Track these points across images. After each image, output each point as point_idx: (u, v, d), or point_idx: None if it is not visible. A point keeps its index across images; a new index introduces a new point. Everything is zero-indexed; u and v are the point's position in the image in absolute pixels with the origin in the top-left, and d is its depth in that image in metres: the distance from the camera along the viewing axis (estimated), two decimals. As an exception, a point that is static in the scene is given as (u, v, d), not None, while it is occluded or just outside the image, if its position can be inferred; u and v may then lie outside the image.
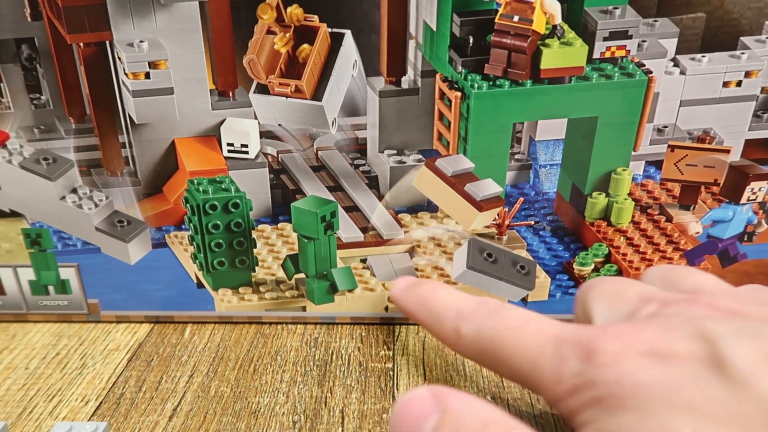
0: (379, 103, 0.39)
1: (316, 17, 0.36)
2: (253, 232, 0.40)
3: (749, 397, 0.18)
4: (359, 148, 0.40)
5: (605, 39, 0.36)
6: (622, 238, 0.40)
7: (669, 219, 0.41)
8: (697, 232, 0.40)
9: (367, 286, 0.42)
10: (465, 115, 0.37)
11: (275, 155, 0.40)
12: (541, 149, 0.41)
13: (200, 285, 0.42)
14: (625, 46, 0.36)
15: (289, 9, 0.36)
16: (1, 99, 0.39)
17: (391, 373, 0.38)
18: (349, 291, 0.41)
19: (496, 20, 0.35)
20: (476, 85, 0.36)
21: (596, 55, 0.36)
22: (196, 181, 0.38)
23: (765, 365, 0.19)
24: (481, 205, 0.38)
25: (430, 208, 0.41)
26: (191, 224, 0.39)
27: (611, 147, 0.38)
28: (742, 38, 0.37)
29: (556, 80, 0.36)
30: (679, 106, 0.39)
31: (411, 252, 0.42)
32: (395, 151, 0.40)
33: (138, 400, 0.36)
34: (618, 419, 0.19)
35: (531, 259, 0.40)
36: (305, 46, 0.37)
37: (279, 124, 0.39)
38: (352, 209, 0.41)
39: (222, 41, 0.37)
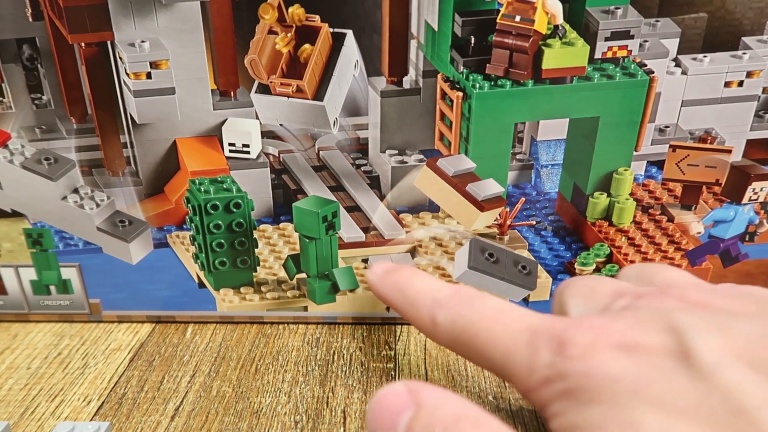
0: (381, 103, 0.39)
1: (317, 17, 0.36)
2: (254, 232, 0.40)
3: (714, 390, 0.18)
4: (361, 148, 0.40)
5: (607, 39, 0.36)
6: (623, 238, 0.40)
7: (670, 219, 0.41)
8: (699, 232, 0.40)
9: (369, 287, 0.42)
10: (466, 115, 0.37)
11: (277, 155, 0.40)
12: (543, 149, 0.41)
13: (202, 285, 0.42)
14: (627, 46, 0.36)
15: (290, 9, 0.36)
16: (3, 99, 0.39)
17: (392, 373, 0.38)
18: (351, 291, 0.41)
19: (497, 20, 0.35)
20: (478, 85, 0.36)
21: (598, 55, 0.36)
22: (197, 181, 0.38)
23: (730, 358, 0.19)
24: (482, 205, 0.38)
25: (432, 208, 0.41)
26: (193, 224, 0.39)
27: (613, 147, 0.38)
28: (743, 38, 0.37)
29: (557, 80, 0.36)
30: (681, 106, 0.39)
31: (412, 252, 0.42)
32: (397, 151, 0.40)
33: (140, 400, 0.36)
34: (587, 412, 0.20)
35: (532, 259, 0.40)
36: (307, 46, 0.37)
37: (280, 124, 0.39)
38: (354, 209, 0.41)
39: (223, 41, 0.37)
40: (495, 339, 0.23)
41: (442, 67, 0.38)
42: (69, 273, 0.42)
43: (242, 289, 0.41)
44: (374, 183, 0.41)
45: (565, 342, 0.21)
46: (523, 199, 0.40)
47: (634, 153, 0.39)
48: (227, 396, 0.37)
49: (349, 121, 0.39)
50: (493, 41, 0.35)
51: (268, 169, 0.40)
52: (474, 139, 0.37)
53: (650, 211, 0.41)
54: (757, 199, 0.39)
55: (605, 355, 0.20)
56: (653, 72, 0.37)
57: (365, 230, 0.41)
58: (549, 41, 0.35)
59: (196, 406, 0.36)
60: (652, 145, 0.39)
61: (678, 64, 0.38)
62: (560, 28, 0.35)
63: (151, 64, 0.37)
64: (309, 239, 0.39)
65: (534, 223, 0.41)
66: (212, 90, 0.38)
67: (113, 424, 0.35)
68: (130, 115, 0.38)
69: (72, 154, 0.40)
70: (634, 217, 0.40)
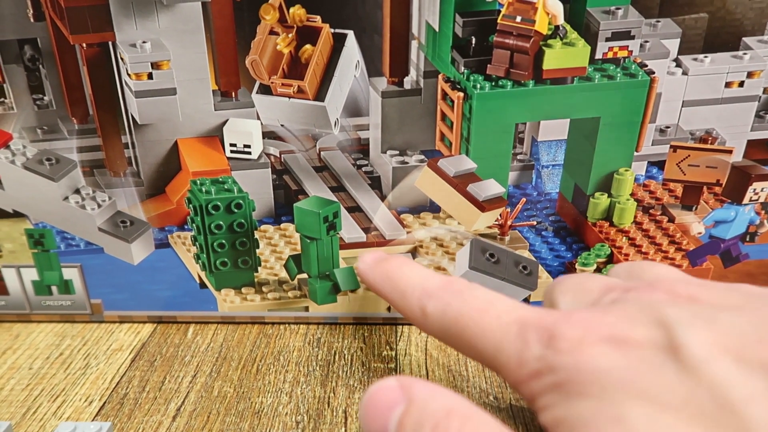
0: (382, 104, 0.39)
1: (318, 18, 0.36)
2: (255, 232, 0.40)
3: (701, 384, 0.18)
4: (362, 148, 0.40)
5: (608, 39, 0.36)
6: (624, 238, 0.40)
7: (671, 219, 0.41)
8: (700, 233, 0.40)
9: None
10: (467, 116, 0.37)
11: (278, 156, 0.40)
12: (544, 150, 0.41)
13: (203, 285, 0.42)
14: (628, 46, 0.36)
15: (291, 9, 0.36)
16: (4, 100, 0.39)
17: (393, 373, 0.38)
18: (352, 291, 0.41)
19: (498, 21, 0.35)
20: (479, 86, 0.36)
21: (599, 55, 0.36)
22: (198, 182, 0.38)
23: (718, 352, 0.19)
24: (483, 206, 0.38)
25: (433, 208, 0.41)
26: (194, 225, 0.39)
27: (613, 147, 0.38)
28: (744, 39, 0.37)
29: (558, 81, 0.36)
30: (682, 107, 0.39)
31: (413, 252, 0.42)
32: (398, 152, 0.40)
33: (141, 400, 0.37)
34: (576, 405, 0.20)
35: (533, 259, 0.40)
36: (308, 46, 0.37)
37: (281, 125, 0.39)
38: (355, 210, 0.41)
39: (225, 42, 0.37)
40: (485, 330, 0.23)
41: (443, 68, 0.38)
42: (70, 273, 0.42)
43: (243, 290, 0.41)
44: (375, 183, 0.41)
45: (555, 335, 0.21)
46: (524, 199, 0.40)
47: (635, 153, 0.39)
48: (229, 396, 0.37)
49: (350, 122, 0.39)
50: (494, 42, 0.35)
51: (270, 169, 0.40)
52: (475, 139, 0.37)
53: (651, 211, 0.41)
54: (757, 200, 0.39)
55: (594, 349, 0.20)
56: (654, 72, 0.37)
57: (366, 231, 0.41)
58: (550, 42, 0.35)
59: (198, 406, 0.36)
60: (652, 145, 0.39)
61: (679, 65, 0.38)
62: (561, 28, 0.35)
63: (152, 64, 0.37)
64: (310, 239, 0.39)
65: (535, 223, 0.41)
66: (213, 90, 0.38)
67: (115, 425, 0.35)
68: (132, 116, 0.38)
69: (73, 155, 0.40)
70: (635, 217, 0.40)
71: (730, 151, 0.38)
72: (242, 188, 0.38)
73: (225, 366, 0.39)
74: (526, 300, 0.40)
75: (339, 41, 0.37)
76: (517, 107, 0.37)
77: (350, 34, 0.37)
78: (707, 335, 0.19)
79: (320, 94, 0.38)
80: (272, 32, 0.36)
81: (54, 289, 0.43)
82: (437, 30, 0.37)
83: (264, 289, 0.42)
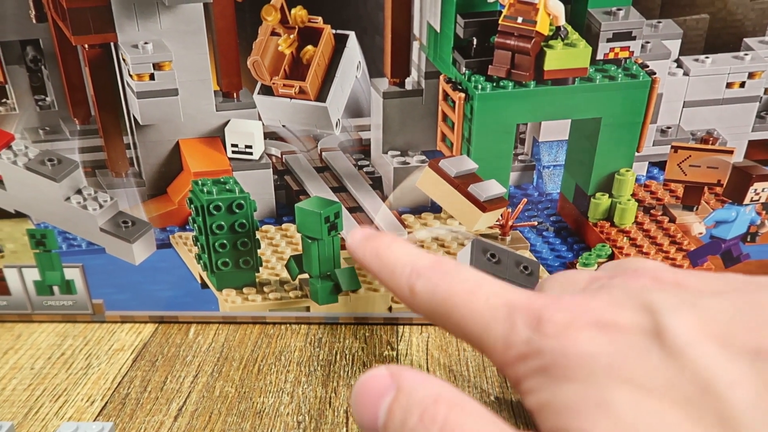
0: (383, 105, 0.39)
1: (320, 19, 0.37)
2: (257, 232, 0.40)
3: (685, 368, 0.18)
4: (363, 149, 0.40)
5: (609, 40, 0.36)
6: (625, 238, 0.40)
7: (672, 220, 0.41)
8: (701, 233, 0.40)
9: (371, 287, 0.42)
10: (468, 116, 0.37)
11: (279, 156, 0.41)
12: (545, 150, 0.41)
13: (204, 285, 0.42)
14: (629, 47, 0.36)
15: (293, 10, 0.36)
16: (6, 100, 0.39)
17: (394, 373, 0.38)
18: (353, 291, 0.41)
19: (499, 21, 0.35)
20: (480, 87, 0.36)
21: (600, 56, 0.36)
22: (200, 182, 0.38)
23: (702, 337, 0.19)
24: (484, 206, 0.38)
25: (434, 208, 0.42)
26: (195, 225, 0.39)
27: (614, 148, 0.38)
28: (745, 39, 0.37)
29: (559, 81, 0.36)
30: (683, 107, 0.39)
31: (414, 252, 0.42)
32: (399, 152, 0.40)
33: (143, 400, 0.37)
34: (561, 389, 0.20)
35: (534, 259, 0.40)
36: (309, 47, 0.37)
37: (283, 125, 0.39)
38: (356, 210, 0.41)
39: (226, 43, 0.37)
40: (473, 311, 0.23)
41: (445, 69, 0.38)
42: (72, 273, 0.42)
43: (245, 290, 0.42)
44: (376, 184, 0.41)
45: (543, 319, 0.21)
46: (525, 199, 0.41)
47: (636, 154, 0.39)
48: (230, 396, 0.37)
49: (352, 122, 0.39)
50: (495, 42, 0.35)
51: (271, 170, 0.40)
52: (476, 140, 0.37)
53: (652, 211, 0.41)
54: (758, 200, 0.39)
55: (581, 333, 0.20)
56: (655, 73, 0.37)
57: (367, 231, 0.41)
58: (551, 42, 0.35)
59: (199, 406, 0.36)
60: (653, 145, 0.39)
61: (680, 65, 0.38)
62: (562, 29, 0.35)
63: (154, 65, 0.37)
64: (311, 240, 0.39)
65: (536, 223, 0.41)
66: (215, 91, 0.38)
67: (117, 425, 0.35)
68: (134, 117, 0.39)
69: (75, 155, 0.40)
70: (636, 217, 0.40)
71: (731, 152, 0.38)
72: (244, 188, 0.38)
73: (226, 366, 0.39)
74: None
75: (340, 42, 0.37)
76: (518, 108, 0.37)
77: (352, 34, 0.37)
78: (692, 320, 0.19)
79: (322, 95, 0.38)
80: (274, 33, 0.37)
81: (56, 289, 0.43)
82: (438, 31, 0.37)
83: (265, 289, 0.42)
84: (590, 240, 0.41)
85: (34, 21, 0.37)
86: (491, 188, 0.38)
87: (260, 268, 0.41)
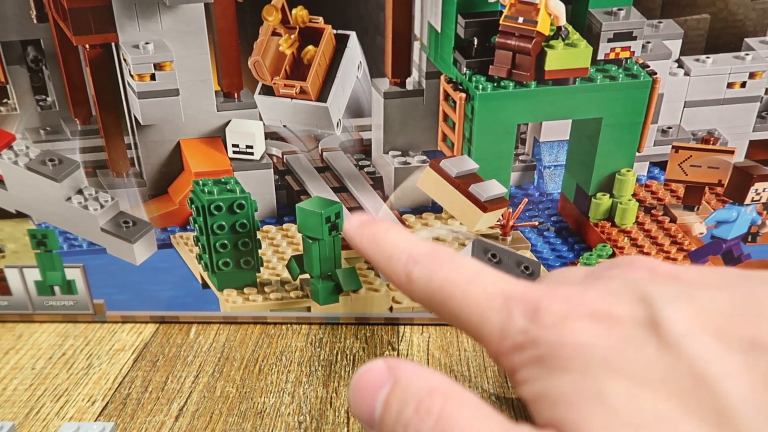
0: (384, 105, 0.39)
1: (321, 19, 0.37)
2: (258, 232, 0.40)
3: (680, 360, 0.18)
4: (364, 149, 0.40)
5: (610, 40, 0.36)
6: (626, 238, 0.40)
7: (673, 220, 0.41)
8: (701, 233, 0.40)
9: (372, 287, 0.42)
10: (469, 117, 0.37)
11: (280, 156, 0.41)
12: (546, 150, 0.41)
13: (205, 285, 0.42)
14: (630, 47, 0.36)
15: (294, 11, 0.36)
16: (8, 100, 0.39)
17: (395, 373, 0.38)
18: (354, 291, 0.41)
19: (500, 22, 0.35)
20: (481, 87, 0.36)
21: (601, 56, 0.36)
22: (201, 182, 0.38)
23: (698, 328, 0.19)
24: (485, 206, 0.38)
25: (435, 208, 0.42)
26: (196, 225, 0.39)
27: (615, 148, 0.38)
28: (746, 39, 0.37)
29: (560, 81, 0.36)
30: (684, 107, 0.39)
31: (415, 252, 0.42)
32: (400, 152, 0.40)
33: (144, 400, 0.37)
34: (556, 380, 0.20)
35: (535, 259, 0.40)
36: (310, 47, 0.37)
37: (284, 126, 0.39)
38: (357, 210, 0.41)
39: (227, 43, 0.37)
40: (470, 300, 0.23)
41: (445, 69, 0.38)
42: (73, 273, 0.42)
43: (245, 290, 0.42)
44: (377, 184, 0.41)
45: (540, 309, 0.21)
46: (526, 200, 0.41)
47: (637, 154, 0.39)
48: (231, 396, 0.37)
49: (353, 123, 0.39)
50: (496, 43, 0.35)
51: (272, 170, 0.40)
52: (477, 140, 0.37)
53: (653, 211, 0.41)
54: (759, 200, 0.39)
55: (578, 324, 0.20)
56: (656, 73, 0.37)
57: (368, 231, 0.41)
58: (552, 42, 0.35)
59: (200, 406, 0.36)
60: (654, 146, 0.39)
61: (681, 65, 0.38)
62: (563, 29, 0.35)
63: (155, 65, 0.37)
64: (312, 240, 0.39)
65: (537, 223, 0.41)
66: (216, 91, 0.38)
67: (118, 425, 0.35)
68: (134, 117, 0.39)
69: (76, 156, 0.40)
70: (637, 217, 0.40)
71: (732, 152, 0.38)
72: (244, 189, 0.38)
73: (227, 366, 0.39)
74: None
75: (341, 42, 0.37)
76: (519, 108, 0.37)
77: (352, 35, 0.37)
78: (688, 311, 0.19)
79: (322, 95, 0.38)
80: (275, 33, 0.37)
81: (57, 289, 0.43)
82: (439, 31, 0.37)
83: (266, 289, 0.42)
84: (591, 240, 0.41)
85: (35, 21, 0.37)
86: (492, 188, 0.38)
87: (261, 268, 0.41)
